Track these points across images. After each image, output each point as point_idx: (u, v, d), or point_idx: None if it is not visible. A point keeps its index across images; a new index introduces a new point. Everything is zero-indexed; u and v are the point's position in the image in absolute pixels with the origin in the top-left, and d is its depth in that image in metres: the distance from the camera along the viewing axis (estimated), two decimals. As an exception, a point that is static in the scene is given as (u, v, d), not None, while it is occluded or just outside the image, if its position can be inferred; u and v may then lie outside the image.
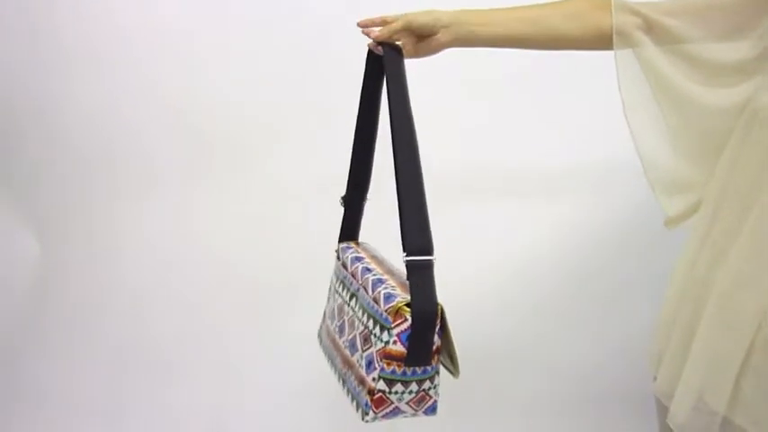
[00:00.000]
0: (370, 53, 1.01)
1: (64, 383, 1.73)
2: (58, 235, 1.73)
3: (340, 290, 1.00)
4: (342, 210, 1.12)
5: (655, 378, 0.91)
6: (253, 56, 1.58)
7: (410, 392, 0.82)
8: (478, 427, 1.67)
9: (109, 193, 1.69)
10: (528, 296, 1.67)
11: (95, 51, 1.60)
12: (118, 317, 1.72)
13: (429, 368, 0.82)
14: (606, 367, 1.66)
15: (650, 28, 0.87)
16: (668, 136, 0.90)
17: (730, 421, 0.77)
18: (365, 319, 0.87)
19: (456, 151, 1.56)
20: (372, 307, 0.85)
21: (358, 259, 0.99)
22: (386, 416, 0.83)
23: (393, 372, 0.80)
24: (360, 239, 1.13)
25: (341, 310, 0.97)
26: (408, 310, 0.80)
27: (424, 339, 0.80)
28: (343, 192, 1.11)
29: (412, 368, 0.81)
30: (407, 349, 0.79)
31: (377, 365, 0.81)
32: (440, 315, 0.80)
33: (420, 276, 0.81)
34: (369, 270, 0.94)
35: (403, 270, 0.87)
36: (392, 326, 0.80)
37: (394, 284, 0.87)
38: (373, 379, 0.81)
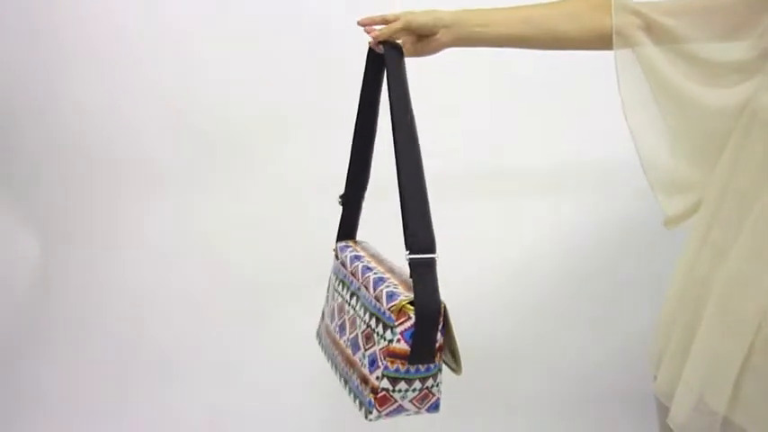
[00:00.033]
0: (371, 51, 1.01)
1: (64, 383, 1.73)
2: (58, 235, 1.73)
3: (340, 289, 1.00)
4: (340, 209, 1.12)
5: (655, 378, 0.91)
6: (253, 56, 1.58)
7: (414, 390, 0.82)
8: (478, 427, 1.67)
9: (109, 193, 1.69)
10: (528, 296, 1.67)
11: (95, 51, 1.60)
12: (118, 317, 1.72)
13: (432, 366, 0.82)
14: (606, 367, 1.66)
15: (650, 28, 0.87)
16: (668, 136, 0.90)
17: (731, 421, 0.77)
18: (367, 317, 0.87)
19: (456, 151, 1.56)
20: (375, 305, 0.85)
21: (357, 258, 0.99)
22: (389, 414, 0.83)
23: (397, 370, 0.81)
24: (357, 238, 1.13)
25: (341, 309, 0.97)
26: (412, 308, 0.80)
27: (428, 337, 0.81)
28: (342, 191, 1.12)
29: (415, 366, 0.81)
30: (411, 347, 0.80)
31: (380, 364, 0.81)
32: (443, 313, 0.81)
33: (423, 274, 0.81)
34: (369, 269, 0.94)
35: (403, 268, 0.88)
36: (396, 324, 0.80)
37: (396, 283, 0.87)
38: (377, 377, 0.81)
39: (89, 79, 1.62)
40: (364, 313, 0.88)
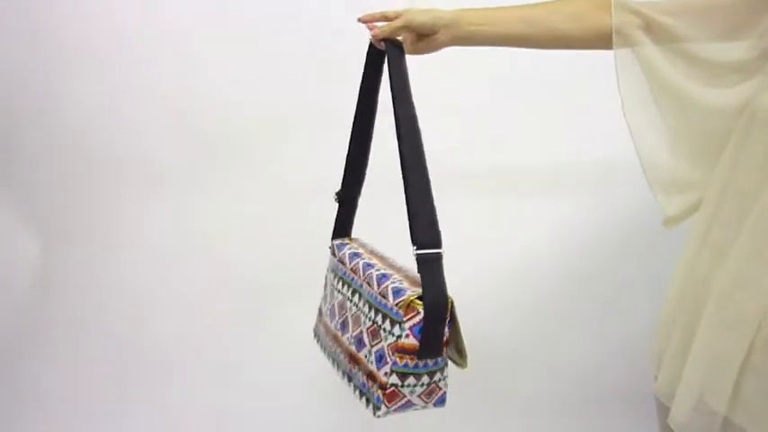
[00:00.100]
0: (371, 47, 1.01)
1: (64, 383, 1.73)
2: (58, 235, 1.73)
3: (339, 286, 1.00)
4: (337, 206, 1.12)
5: (655, 378, 0.91)
6: (253, 56, 1.58)
7: (422, 385, 0.83)
8: (478, 427, 1.67)
9: (109, 192, 1.69)
10: (528, 296, 1.67)
11: (95, 51, 1.60)
12: (118, 317, 1.72)
13: (440, 359, 0.83)
14: (606, 367, 1.66)
15: (650, 27, 0.87)
16: (668, 136, 0.90)
17: (731, 421, 0.77)
18: (372, 314, 0.87)
19: (456, 151, 1.56)
20: (380, 302, 0.86)
21: (356, 255, 1.00)
22: (398, 410, 0.84)
23: (405, 365, 0.81)
24: (353, 235, 1.13)
25: (342, 306, 0.97)
26: (420, 303, 0.81)
27: (437, 331, 0.81)
28: (342, 191, 1.12)
29: (424, 360, 0.82)
30: (420, 342, 0.80)
31: (388, 359, 0.82)
32: (450, 307, 0.82)
33: (430, 269, 0.82)
34: (370, 265, 0.94)
35: (403, 263, 0.89)
36: (404, 319, 0.81)
37: (400, 278, 0.87)
38: (385, 373, 0.82)
39: (89, 79, 1.62)
40: (369, 310, 0.88)
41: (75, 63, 1.61)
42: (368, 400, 0.85)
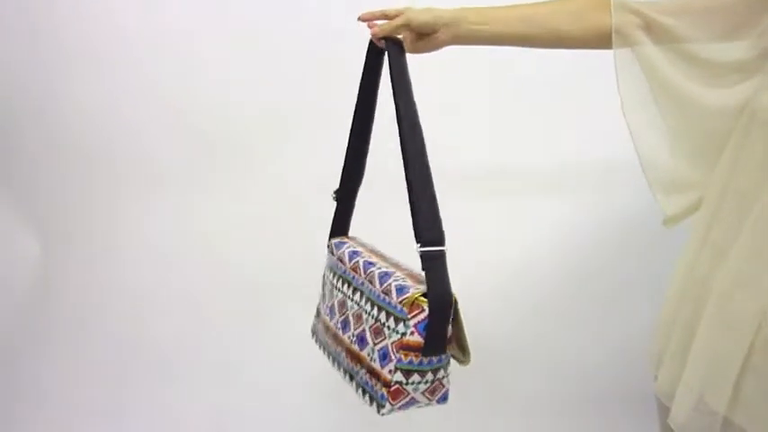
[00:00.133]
0: (372, 45, 1.01)
1: (64, 383, 1.73)
2: (58, 235, 1.73)
3: (339, 285, 1.00)
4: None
5: (655, 378, 0.91)
6: (253, 56, 1.58)
7: (426, 382, 0.83)
8: (478, 427, 1.67)
9: (109, 192, 1.69)
10: (528, 296, 1.67)
11: (95, 51, 1.60)
12: (118, 317, 1.72)
13: (443, 356, 0.84)
14: (606, 367, 1.66)
15: (650, 27, 0.87)
16: (667, 136, 0.90)
17: (731, 421, 0.77)
18: (375, 312, 0.87)
19: (456, 150, 1.56)
20: (384, 299, 0.86)
21: (356, 253, 1.00)
22: (402, 407, 0.84)
23: (410, 362, 0.82)
24: (351, 234, 1.13)
25: (342, 305, 0.97)
26: (425, 300, 0.81)
27: (442, 328, 0.82)
28: (342, 190, 1.12)
29: (429, 357, 0.82)
30: (425, 339, 0.81)
31: (393, 357, 0.82)
32: (454, 304, 0.82)
33: (435, 267, 0.83)
34: (371, 263, 0.94)
35: (403, 261, 0.90)
36: (409, 317, 0.81)
37: (403, 276, 0.88)
38: (389, 371, 0.82)
39: (89, 79, 1.62)
40: (371, 308, 0.88)
41: (75, 63, 1.61)
42: (371, 398, 0.85)
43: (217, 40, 1.58)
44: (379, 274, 0.90)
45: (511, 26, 0.94)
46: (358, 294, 0.93)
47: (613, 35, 0.88)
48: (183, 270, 1.70)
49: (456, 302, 0.83)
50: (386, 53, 0.97)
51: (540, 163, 1.63)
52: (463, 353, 0.87)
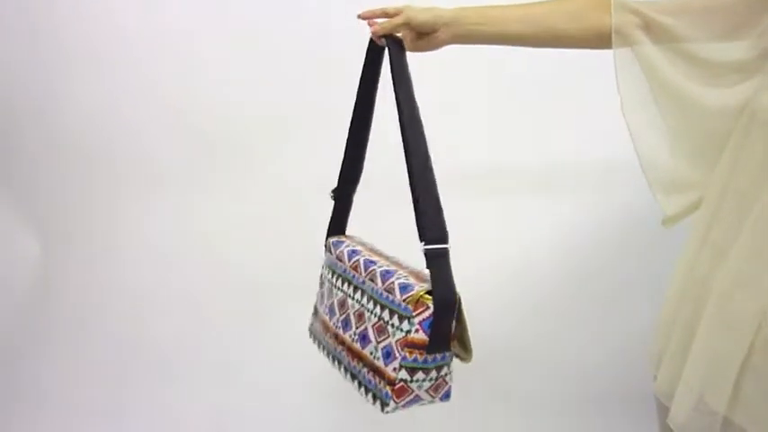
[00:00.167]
0: (372, 43, 1.01)
1: (64, 383, 1.73)
2: (58, 235, 1.73)
3: (339, 284, 1.00)
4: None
5: (655, 378, 0.91)
6: (253, 56, 1.58)
7: (430, 380, 0.84)
8: (478, 427, 1.67)
9: (109, 193, 1.69)
10: (528, 296, 1.66)
11: (95, 51, 1.60)
12: (118, 317, 1.72)
13: (447, 354, 0.84)
14: (606, 367, 1.66)
15: (649, 27, 0.87)
16: (667, 136, 0.90)
17: (731, 421, 0.77)
18: (378, 310, 0.87)
19: (455, 149, 1.56)
20: (387, 297, 0.86)
21: (355, 252, 1.00)
22: (406, 405, 0.84)
23: (415, 360, 0.82)
24: (349, 233, 1.13)
25: (342, 303, 0.97)
26: (429, 298, 0.81)
27: (446, 326, 0.82)
28: (342, 190, 1.12)
29: (433, 355, 0.82)
30: (430, 337, 0.81)
31: (398, 355, 0.82)
32: (458, 301, 0.83)
33: (439, 264, 0.83)
34: (372, 262, 0.94)
35: (404, 259, 0.90)
36: (413, 315, 0.81)
37: (405, 274, 0.88)
38: (394, 369, 0.82)
39: (89, 79, 1.62)
40: (374, 306, 0.88)
41: (75, 63, 1.61)
42: (375, 397, 0.85)
43: (217, 40, 1.58)
44: (381, 272, 0.90)
45: (510, 26, 0.94)
46: (359, 293, 0.93)
47: (613, 35, 0.88)
48: (183, 270, 1.70)
49: (460, 300, 0.83)
50: (386, 51, 0.97)
51: (540, 163, 1.63)
52: (465, 350, 0.87)
